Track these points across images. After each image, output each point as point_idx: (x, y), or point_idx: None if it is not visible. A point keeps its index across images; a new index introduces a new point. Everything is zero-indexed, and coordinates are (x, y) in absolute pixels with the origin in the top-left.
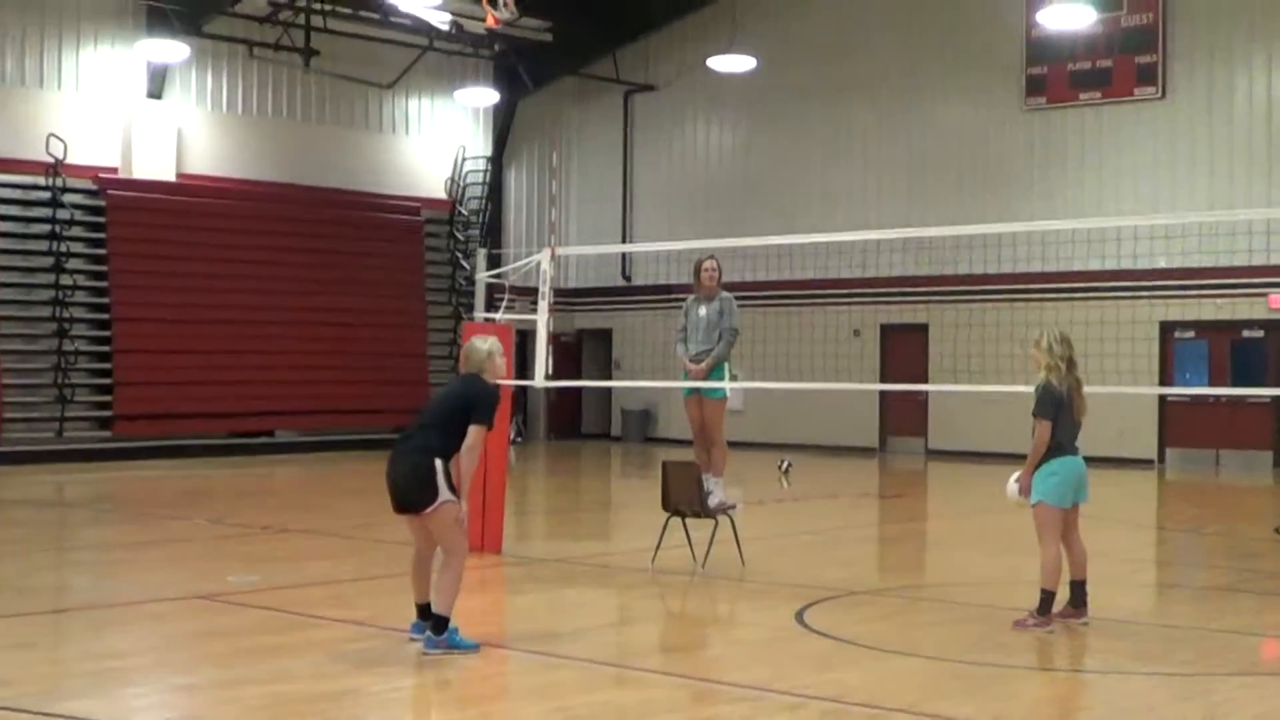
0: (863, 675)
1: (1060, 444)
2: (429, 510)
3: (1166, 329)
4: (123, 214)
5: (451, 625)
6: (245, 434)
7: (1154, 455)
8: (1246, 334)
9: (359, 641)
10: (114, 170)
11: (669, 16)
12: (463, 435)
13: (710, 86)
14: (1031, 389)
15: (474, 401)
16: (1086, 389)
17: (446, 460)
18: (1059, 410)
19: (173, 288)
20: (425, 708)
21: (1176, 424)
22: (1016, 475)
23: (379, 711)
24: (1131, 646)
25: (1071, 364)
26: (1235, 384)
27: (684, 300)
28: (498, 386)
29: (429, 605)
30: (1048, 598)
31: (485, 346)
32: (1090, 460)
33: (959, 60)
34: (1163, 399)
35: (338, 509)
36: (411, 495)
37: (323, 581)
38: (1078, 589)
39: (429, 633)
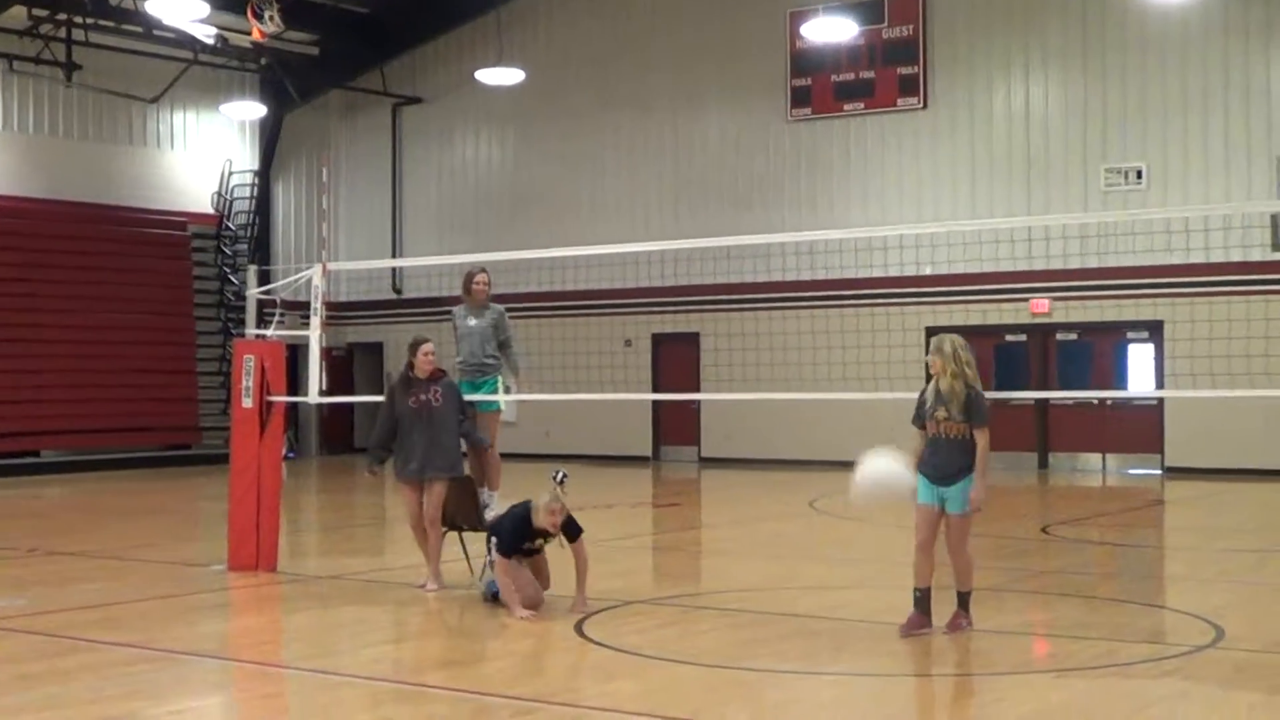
0: (643, 684)
1: None
2: None
3: (932, 334)
4: None
5: None
6: (9, 454)
7: None
8: (1010, 338)
9: (133, 665)
10: None
11: (436, 29)
12: None
13: (479, 99)
14: (799, 396)
15: None
16: (854, 395)
17: None
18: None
19: None
20: None
21: None
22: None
23: None
24: (904, 648)
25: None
26: (999, 387)
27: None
28: None
29: None
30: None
31: None
32: None
33: (724, 73)
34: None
35: (107, 530)
36: None
37: (93, 604)
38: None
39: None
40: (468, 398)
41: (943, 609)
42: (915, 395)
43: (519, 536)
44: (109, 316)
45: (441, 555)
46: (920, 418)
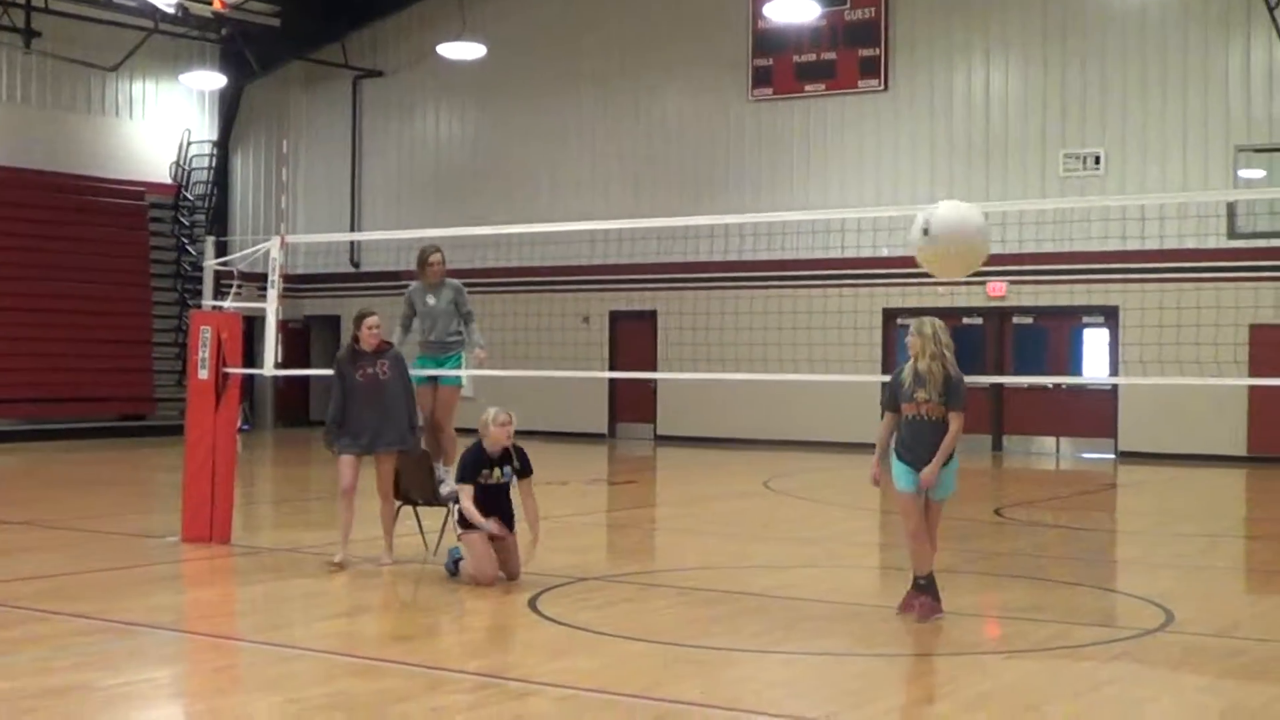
0: (596, 661)
1: None
2: None
3: (890, 316)
4: None
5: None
6: None
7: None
8: (966, 321)
9: (85, 635)
10: None
11: (398, 3)
12: None
13: (440, 74)
14: (755, 376)
15: None
16: (810, 376)
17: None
18: None
19: None
20: (154, 703)
21: None
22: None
23: (107, 707)
24: (858, 628)
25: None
26: None
27: (407, 289)
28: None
29: None
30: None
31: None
32: (818, 445)
33: (686, 51)
34: (885, 384)
35: (60, 500)
36: None
37: (45, 574)
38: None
39: None
40: (430, 372)
41: (897, 588)
42: (873, 377)
43: (475, 466)
44: (65, 285)
45: (395, 529)
46: (894, 400)
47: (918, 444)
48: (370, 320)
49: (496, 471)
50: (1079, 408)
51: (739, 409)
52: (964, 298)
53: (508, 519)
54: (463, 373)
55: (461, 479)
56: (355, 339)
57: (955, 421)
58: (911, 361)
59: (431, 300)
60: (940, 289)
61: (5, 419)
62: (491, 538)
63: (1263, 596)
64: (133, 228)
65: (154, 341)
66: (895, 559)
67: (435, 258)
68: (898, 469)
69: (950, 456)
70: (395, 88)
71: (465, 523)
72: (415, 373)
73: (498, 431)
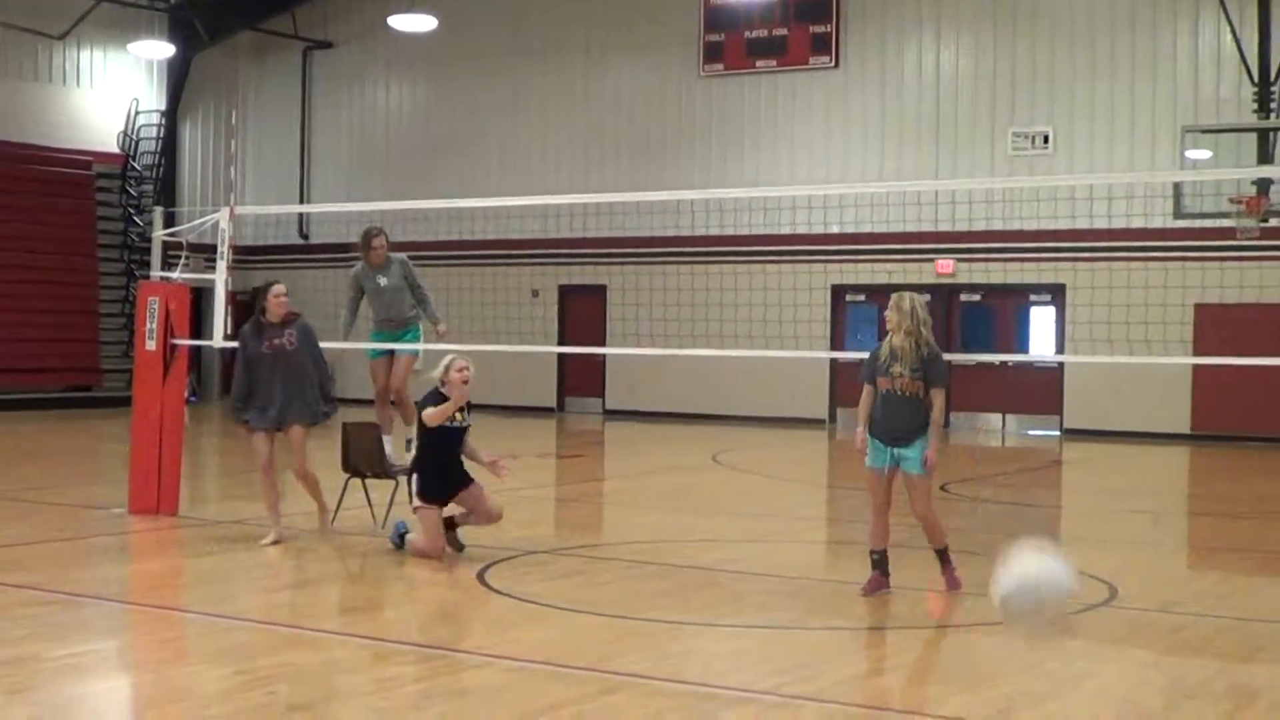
0: (544, 634)
1: None
2: None
3: (839, 293)
4: None
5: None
6: None
7: (825, 415)
8: None
9: (33, 607)
10: None
11: None
12: None
13: (390, 45)
14: (703, 352)
15: None
16: (759, 352)
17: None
18: None
19: None
20: (102, 673)
21: (846, 384)
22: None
23: (56, 678)
24: (806, 602)
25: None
26: None
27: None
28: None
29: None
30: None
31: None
32: (764, 421)
33: (638, 26)
34: (833, 361)
35: (5, 471)
36: None
37: None
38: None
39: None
40: (385, 345)
41: (845, 563)
42: (822, 353)
43: (440, 402)
44: (9, 255)
45: (343, 503)
46: (871, 373)
47: (889, 419)
48: (276, 288)
49: (459, 414)
50: (1025, 385)
51: (687, 384)
52: (915, 275)
53: (462, 475)
54: (419, 347)
55: (424, 405)
56: (262, 310)
57: (938, 398)
58: (888, 337)
59: (383, 280)
60: (890, 267)
61: None
62: (450, 498)
63: (1204, 573)
64: (80, 197)
65: (100, 312)
66: (843, 534)
67: (378, 240)
68: (871, 445)
69: (923, 433)
70: (345, 59)
71: (422, 495)
72: (370, 346)
73: (456, 377)
